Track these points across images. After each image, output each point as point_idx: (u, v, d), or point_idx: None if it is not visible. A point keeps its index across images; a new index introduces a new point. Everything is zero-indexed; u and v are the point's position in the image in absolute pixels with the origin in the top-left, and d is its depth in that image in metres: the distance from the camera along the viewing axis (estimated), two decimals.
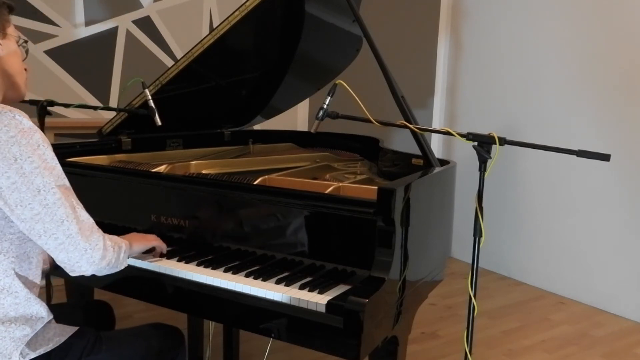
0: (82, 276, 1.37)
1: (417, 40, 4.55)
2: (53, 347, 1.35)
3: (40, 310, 1.35)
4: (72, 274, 1.35)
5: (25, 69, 1.47)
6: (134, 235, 1.62)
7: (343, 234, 1.53)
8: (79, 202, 1.35)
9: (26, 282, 1.35)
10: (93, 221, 1.36)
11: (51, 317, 1.39)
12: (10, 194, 1.23)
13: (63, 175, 1.32)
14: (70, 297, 2.28)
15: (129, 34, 3.60)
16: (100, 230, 1.37)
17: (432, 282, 1.84)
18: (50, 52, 3.37)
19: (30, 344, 1.33)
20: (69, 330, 1.40)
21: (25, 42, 1.49)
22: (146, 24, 3.64)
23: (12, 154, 1.23)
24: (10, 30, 1.42)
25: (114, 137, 2.29)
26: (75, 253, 1.30)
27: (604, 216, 3.57)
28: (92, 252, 1.32)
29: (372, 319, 1.35)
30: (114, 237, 1.46)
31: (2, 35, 1.39)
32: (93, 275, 1.38)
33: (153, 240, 1.65)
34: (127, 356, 1.47)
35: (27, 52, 1.49)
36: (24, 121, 1.26)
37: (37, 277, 1.39)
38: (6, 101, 1.40)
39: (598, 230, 3.61)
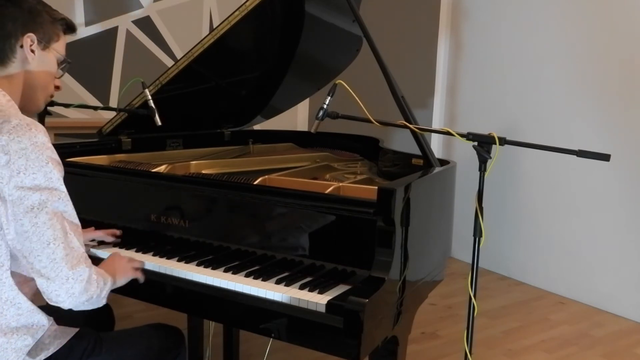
0: None
1: (417, 40, 4.55)
2: (54, 351, 1.35)
3: (42, 319, 1.35)
4: (49, 302, 1.29)
5: (59, 87, 1.47)
6: (118, 263, 1.53)
7: (343, 234, 1.53)
8: (80, 234, 1.31)
9: (29, 292, 1.34)
10: (84, 251, 1.31)
11: (51, 321, 1.39)
12: (7, 204, 1.22)
13: (64, 200, 1.28)
14: None
15: (129, 34, 3.60)
16: (88, 262, 1.31)
17: (432, 282, 1.84)
18: None
19: (31, 351, 1.33)
20: (69, 332, 1.40)
21: (68, 62, 1.47)
22: (146, 24, 3.64)
23: (17, 166, 1.22)
24: (56, 45, 1.41)
25: (114, 137, 2.29)
26: (56, 280, 1.25)
27: (604, 216, 3.57)
28: (73, 282, 1.26)
29: (372, 319, 1.35)
30: (102, 271, 1.40)
31: (42, 47, 1.38)
32: None
33: (138, 273, 1.56)
34: (128, 357, 1.47)
35: (64, 71, 1.47)
36: (39, 136, 1.25)
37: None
38: (21, 111, 1.37)
39: (598, 230, 3.61)
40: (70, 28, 1.45)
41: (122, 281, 1.50)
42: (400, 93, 1.87)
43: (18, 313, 1.31)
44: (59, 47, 1.43)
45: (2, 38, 1.33)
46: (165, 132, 2.32)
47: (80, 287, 1.27)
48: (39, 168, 1.23)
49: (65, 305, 1.29)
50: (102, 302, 1.37)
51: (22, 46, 1.35)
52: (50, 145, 1.27)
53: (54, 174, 1.26)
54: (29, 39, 1.35)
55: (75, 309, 1.31)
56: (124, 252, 1.73)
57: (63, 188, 1.28)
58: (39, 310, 1.35)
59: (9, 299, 1.30)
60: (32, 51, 1.36)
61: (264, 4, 2.01)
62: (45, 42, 1.38)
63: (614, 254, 3.54)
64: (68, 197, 1.29)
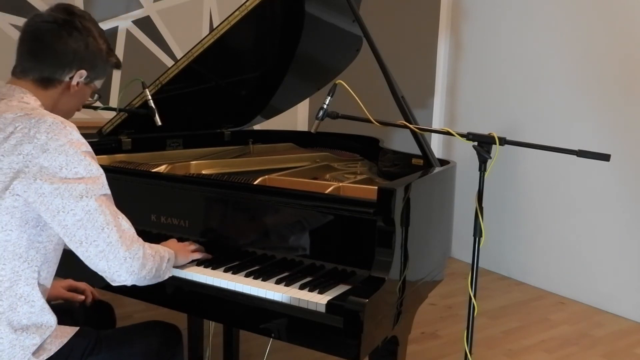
0: (85, 277, 1.37)
1: (417, 40, 4.55)
2: (56, 350, 1.36)
3: (51, 320, 1.36)
4: (113, 284, 1.35)
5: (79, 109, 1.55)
6: (175, 245, 1.61)
7: (343, 234, 1.53)
8: (119, 211, 1.36)
9: (43, 290, 1.36)
10: (134, 231, 1.37)
11: (57, 322, 1.39)
12: (52, 200, 1.26)
13: (106, 185, 1.34)
14: None
15: (129, 34, 3.59)
16: (140, 240, 1.37)
17: (432, 282, 1.84)
18: None
19: (35, 350, 1.33)
20: (69, 332, 1.41)
21: (99, 96, 1.64)
22: (146, 24, 3.64)
23: (59, 163, 1.27)
24: (98, 83, 1.52)
25: (114, 137, 2.29)
26: (115, 262, 1.31)
27: (604, 216, 3.57)
28: (131, 261, 1.32)
29: (372, 319, 1.35)
30: (157, 246, 1.47)
31: (86, 82, 1.46)
32: (93, 274, 1.38)
33: (196, 254, 1.64)
34: (128, 355, 1.48)
35: (93, 98, 1.59)
36: (74, 132, 1.31)
37: (50, 283, 1.41)
38: None
39: (598, 230, 3.61)
40: (117, 67, 1.54)
41: (179, 261, 1.58)
42: (400, 93, 1.87)
43: (30, 311, 1.32)
44: (100, 82, 1.52)
45: (59, 66, 1.40)
46: (165, 132, 2.32)
47: (139, 264, 1.34)
48: (78, 162, 1.29)
49: (128, 282, 1.35)
50: (165, 275, 1.46)
51: (71, 78, 1.42)
52: (84, 140, 1.34)
53: (92, 165, 1.32)
54: (79, 75, 1.43)
55: (138, 284, 1.38)
56: None
57: (103, 177, 1.34)
58: (49, 310, 1.36)
59: (24, 296, 1.31)
60: (77, 84, 1.44)
61: (264, 4, 2.01)
62: (91, 79, 1.47)
63: (614, 254, 3.54)
64: (107, 184, 1.35)
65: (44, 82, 1.40)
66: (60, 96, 1.44)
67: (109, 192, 1.35)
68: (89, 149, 1.34)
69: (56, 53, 1.39)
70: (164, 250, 1.48)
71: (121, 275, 1.33)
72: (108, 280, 1.34)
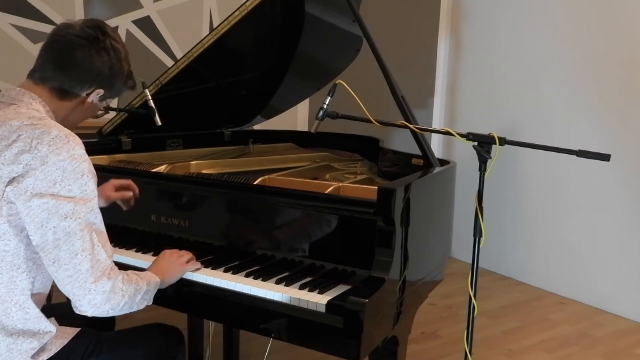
0: None
1: (417, 40, 4.55)
2: (56, 351, 1.36)
3: (49, 326, 1.35)
4: (75, 311, 1.32)
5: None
6: (166, 262, 1.56)
7: (343, 234, 1.53)
8: (106, 241, 1.33)
9: (37, 300, 1.35)
10: (110, 262, 1.32)
11: (57, 327, 1.39)
12: (39, 213, 1.24)
13: (96, 209, 1.31)
14: None
15: (129, 34, 3.59)
16: (115, 272, 1.32)
17: (432, 282, 1.84)
18: None
19: (34, 354, 1.33)
20: (70, 332, 1.41)
21: (106, 112, 1.73)
22: (146, 24, 3.64)
23: (54, 178, 1.25)
24: (109, 100, 1.54)
25: (114, 137, 2.29)
26: (80, 290, 1.27)
27: (604, 216, 3.57)
28: (95, 294, 1.28)
29: (372, 319, 1.35)
30: (137, 276, 1.40)
31: (100, 99, 1.47)
32: None
33: (188, 265, 1.58)
34: (128, 357, 1.48)
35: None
36: (76, 148, 1.29)
37: (47, 291, 1.40)
38: None
39: (598, 230, 3.61)
40: (132, 89, 1.55)
41: (173, 279, 1.54)
42: (400, 93, 1.87)
43: (25, 317, 1.32)
44: (112, 100, 1.53)
45: (80, 81, 1.40)
46: (165, 132, 2.32)
47: (102, 298, 1.29)
48: (74, 180, 1.26)
49: (89, 314, 1.31)
50: (139, 306, 1.41)
51: (88, 94, 1.42)
52: (86, 157, 1.31)
53: (88, 185, 1.29)
54: (96, 93, 1.43)
55: (100, 316, 1.32)
56: (124, 252, 1.74)
57: (95, 200, 1.31)
58: (45, 319, 1.35)
59: (19, 302, 1.31)
60: (91, 101, 1.44)
61: (264, 4, 2.01)
62: (105, 98, 1.47)
63: (614, 254, 3.54)
64: (98, 209, 1.32)
65: (61, 93, 1.40)
66: (73, 109, 1.44)
67: (98, 217, 1.31)
68: (90, 166, 1.31)
69: (81, 69, 1.39)
70: (144, 281, 1.40)
71: (83, 305, 1.28)
72: (72, 306, 1.31)
